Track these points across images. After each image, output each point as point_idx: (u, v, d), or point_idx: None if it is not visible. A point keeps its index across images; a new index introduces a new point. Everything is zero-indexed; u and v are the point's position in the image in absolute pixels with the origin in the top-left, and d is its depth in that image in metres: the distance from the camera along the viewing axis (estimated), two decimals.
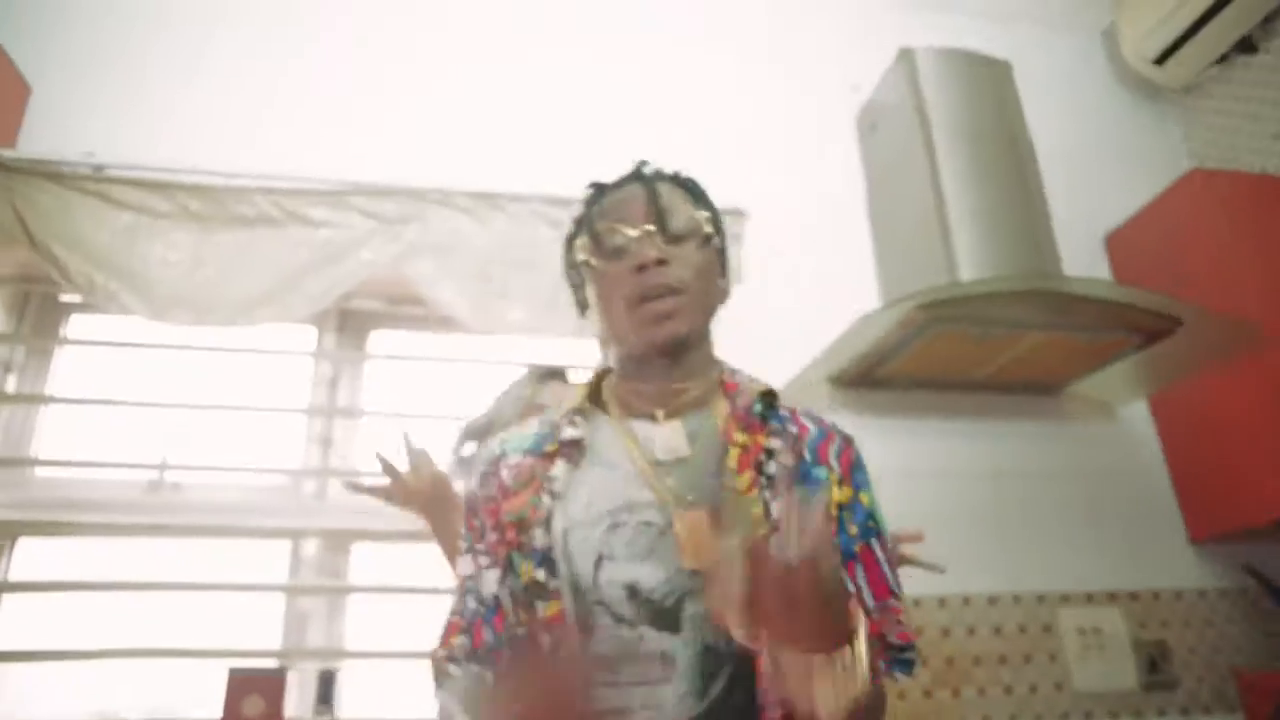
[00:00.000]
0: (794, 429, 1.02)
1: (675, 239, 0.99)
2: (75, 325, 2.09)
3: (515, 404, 1.54)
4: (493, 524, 0.99)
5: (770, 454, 0.97)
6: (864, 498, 1.00)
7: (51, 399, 1.99)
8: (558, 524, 0.94)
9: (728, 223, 2.03)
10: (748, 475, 0.95)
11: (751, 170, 2.29)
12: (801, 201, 2.32)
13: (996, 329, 1.86)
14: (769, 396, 1.03)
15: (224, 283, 1.88)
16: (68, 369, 2.03)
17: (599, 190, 1.07)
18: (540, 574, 0.93)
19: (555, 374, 1.63)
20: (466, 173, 2.07)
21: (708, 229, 1.04)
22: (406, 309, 2.21)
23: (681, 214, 1.01)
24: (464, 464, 1.51)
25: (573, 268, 1.08)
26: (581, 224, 1.07)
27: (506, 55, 2.38)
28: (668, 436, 1.00)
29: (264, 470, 2.03)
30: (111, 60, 2.10)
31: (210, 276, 1.88)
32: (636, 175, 1.05)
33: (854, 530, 0.98)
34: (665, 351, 0.99)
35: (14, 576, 1.86)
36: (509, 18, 2.42)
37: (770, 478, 0.94)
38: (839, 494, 0.98)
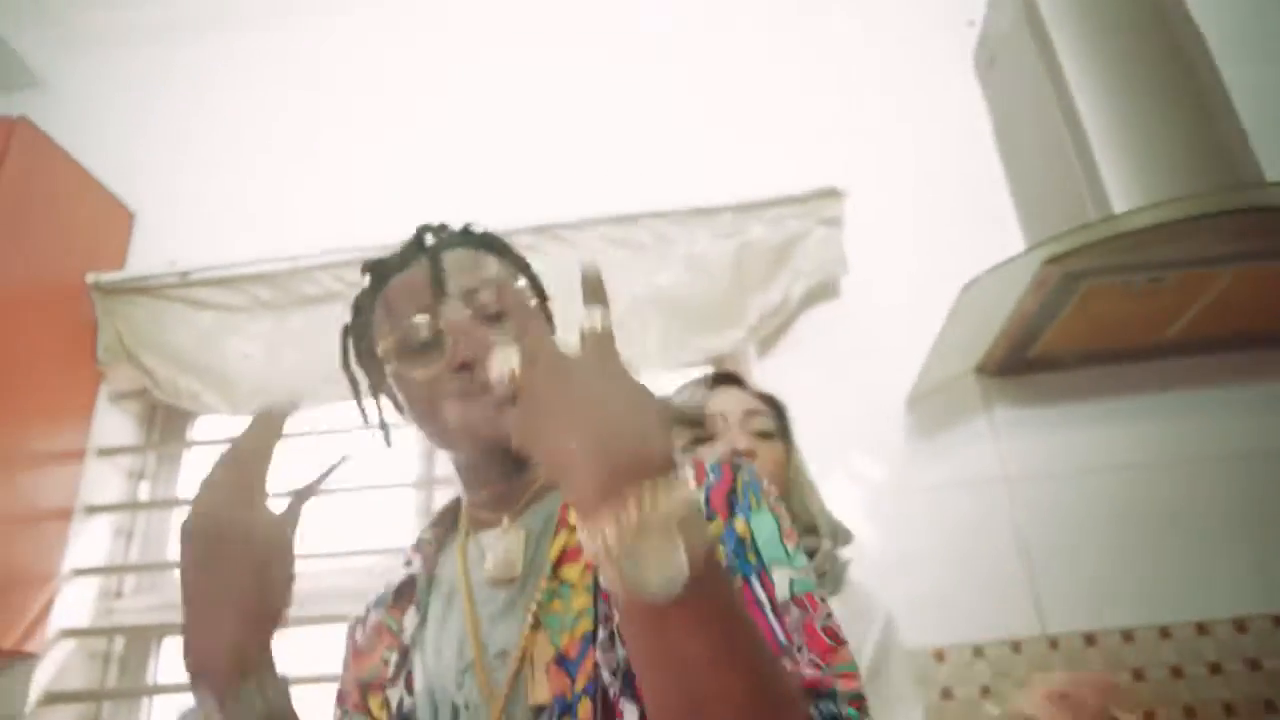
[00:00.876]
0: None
1: (492, 317, 0.82)
2: (200, 428, 2.17)
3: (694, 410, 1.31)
4: (354, 689, 0.84)
5: None
6: (739, 524, 0.74)
7: (182, 502, 2.07)
8: (419, 682, 0.78)
9: (821, 207, 1.76)
10: (580, 564, 0.74)
11: (848, 143, 1.98)
12: (916, 166, 1.96)
13: (1169, 273, 1.42)
14: None
15: (300, 367, 1.87)
16: (195, 471, 2.10)
17: (378, 271, 0.87)
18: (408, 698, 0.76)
19: (728, 378, 1.39)
20: (525, 208, 1.92)
21: (525, 291, 0.91)
22: None
23: (491, 283, 0.84)
24: None
25: (363, 365, 0.89)
26: (363, 312, 0.88)
27: (544, 77, 2.23)
28: (504, 550, 0.80)
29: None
30: (190, 168, 2.20)
31: (286, 363, 1.88)
32: (421, 246, 0.86)
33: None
34: (500, 452, 0.78)
35: (162, 679, 1.91)
36: (532, 40, 2.28)
37: None
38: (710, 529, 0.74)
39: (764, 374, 1.82)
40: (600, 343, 0.60)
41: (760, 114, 2.07)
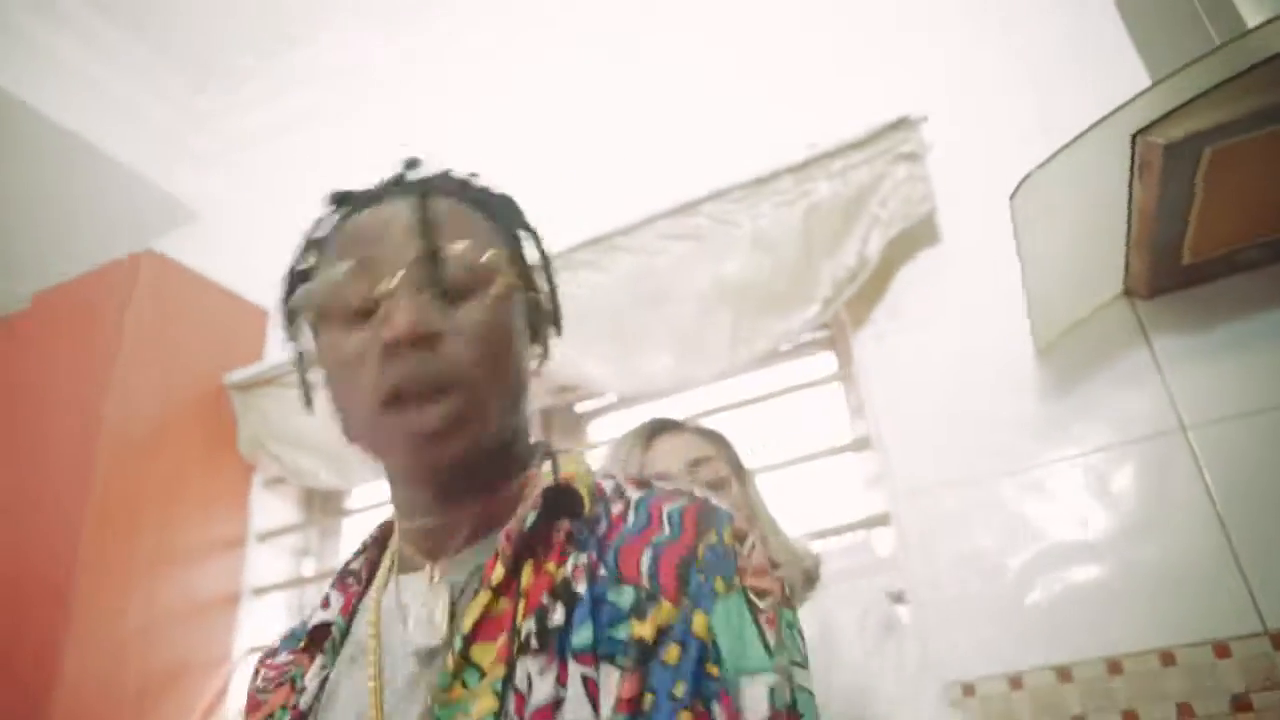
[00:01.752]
0: (604, 524, 0.61)
1: (456, 293, 0.62)
2: (355, 499, 2.27)
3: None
4: None
5: (564, 592, 0.56)
6: (698, 623, 0.54)
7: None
8: None
9: (893, 143, 1.50)
10: (496, 644, 0.56)
11: (912, 67, 1.67)
12: (999, 72, 1.60)
13: None
14: (558, 494, 0.61)
15: None
16: (351, 542, 2.20)
17: (344, 204, 0.70)
18: None
19: (663, 427, 1.20)
20: (579, 222, 1.81)
21: (509, 274, 0.65)
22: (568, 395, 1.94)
23: (467, 251, 0.63)
24: None
25: (292, 328, 0.70)
26: (309, 256, 0.70)
27: (570, 81, 2.09)
28: (426, 610, 0.62)
29: None
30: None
31: None
32: (400, 183, 0.69)
33: (679, 687, 0.51)
34: (431, 479, 0.63)
35: None
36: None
37: (546, 633, 0.55)
38: (641, 628, 0.54)
39: (862, 350, 1.56)
40: None
41: (807, 60, 1.81)
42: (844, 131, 1.59)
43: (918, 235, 1.55)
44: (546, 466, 0.64)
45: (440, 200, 0.65)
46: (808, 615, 1.04)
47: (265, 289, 2.25)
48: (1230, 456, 1.24)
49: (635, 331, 1.69)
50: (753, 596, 0.56)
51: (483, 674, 0.55)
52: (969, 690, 1.28)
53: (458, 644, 0.56)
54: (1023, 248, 1.22)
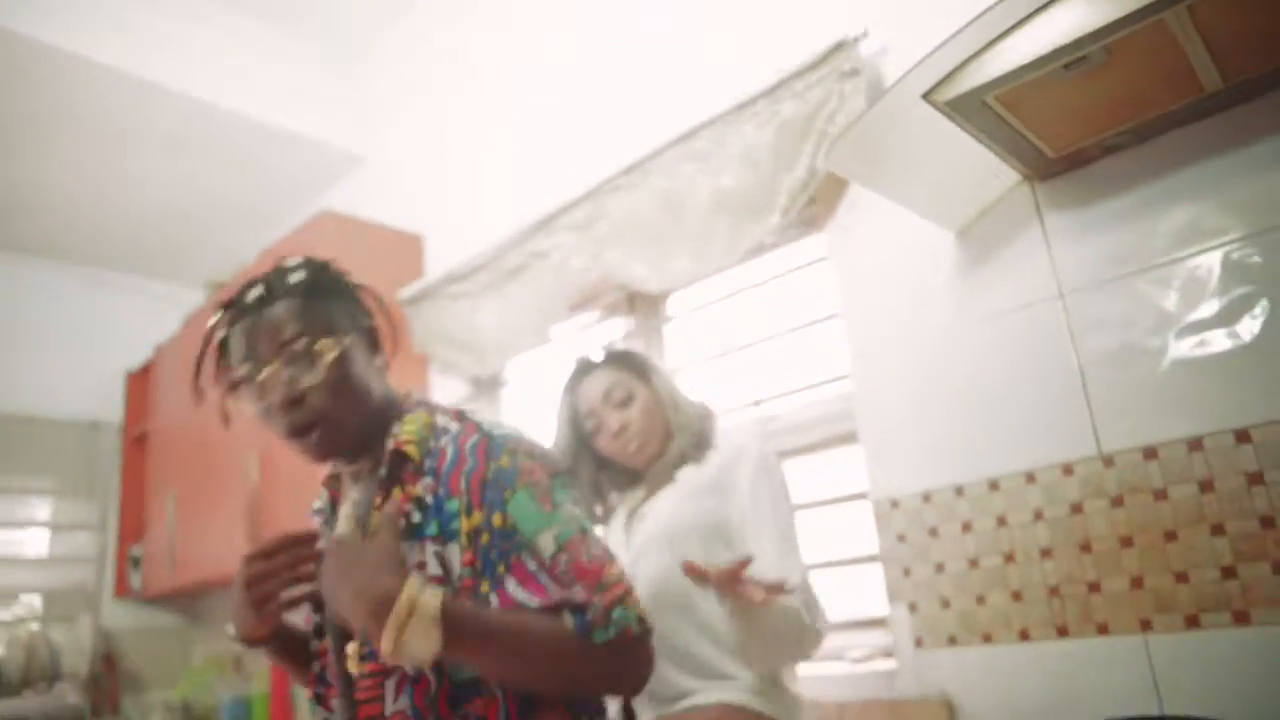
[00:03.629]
0: (436, 457, 1.09)
1: (301, 367, 1.07)
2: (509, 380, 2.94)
3: (569, 426, 1.63)
4: None
5: (419, 502, 1.06)
6: (497, 519, 1.02)
7: None
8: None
9: (836, 62, 1.78)
10: None
11: None
12: None
13: (1094, 48, 1.19)
14: (400, 456, 1.09)
15: (513, 324, 2.48)
16: (509, 408, 2.89)
17: (228, 309, 1.13)
18: (317, 617, 1.18)
19: (583, 370, 1.65)
20: (616, 154, 2.23)
21: (308, 340, 1.07)
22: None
23: (302, 337, 1.07)
24: None
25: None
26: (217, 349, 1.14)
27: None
28: (342, 517, 1.09)
29: None
30: (461, 192, 2.94)
31: (506, 324, 2.51)
32: (243, 302, 1.11)
33: (493, 555, 1.02)
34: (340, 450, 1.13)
35: None
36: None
37: (410, 527, 1.05)
38: (467, 523, 1.03)
39: (832, 239, 1.90)
40: (381, 524, 0.98)
41: None
42: (805, 54, 1.86)
43: None
44: (397, 428, 1.12)
45: (277, 306, 1.09)
46: (707, 465, 1.53)
47: (418, 216, 2.91)
48: (1095, 316, 1.51)
49: (663, 238, 2.12)
50: (531, 488, 1.05)
51: None
52: (895, 504, 1.71)
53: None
54: (881, 183, 1.52)
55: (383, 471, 1.09)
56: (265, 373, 1.06)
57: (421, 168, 3.09)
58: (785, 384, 2.03)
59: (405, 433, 1.11)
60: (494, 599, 1.01)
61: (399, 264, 2.89)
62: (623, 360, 1.64)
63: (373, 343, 1.18)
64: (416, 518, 1.06)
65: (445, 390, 2.81)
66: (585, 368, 1.65)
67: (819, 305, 1.98)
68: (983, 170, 1.58)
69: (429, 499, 1.06)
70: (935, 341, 1.71)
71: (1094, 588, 1.45)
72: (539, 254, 2.43)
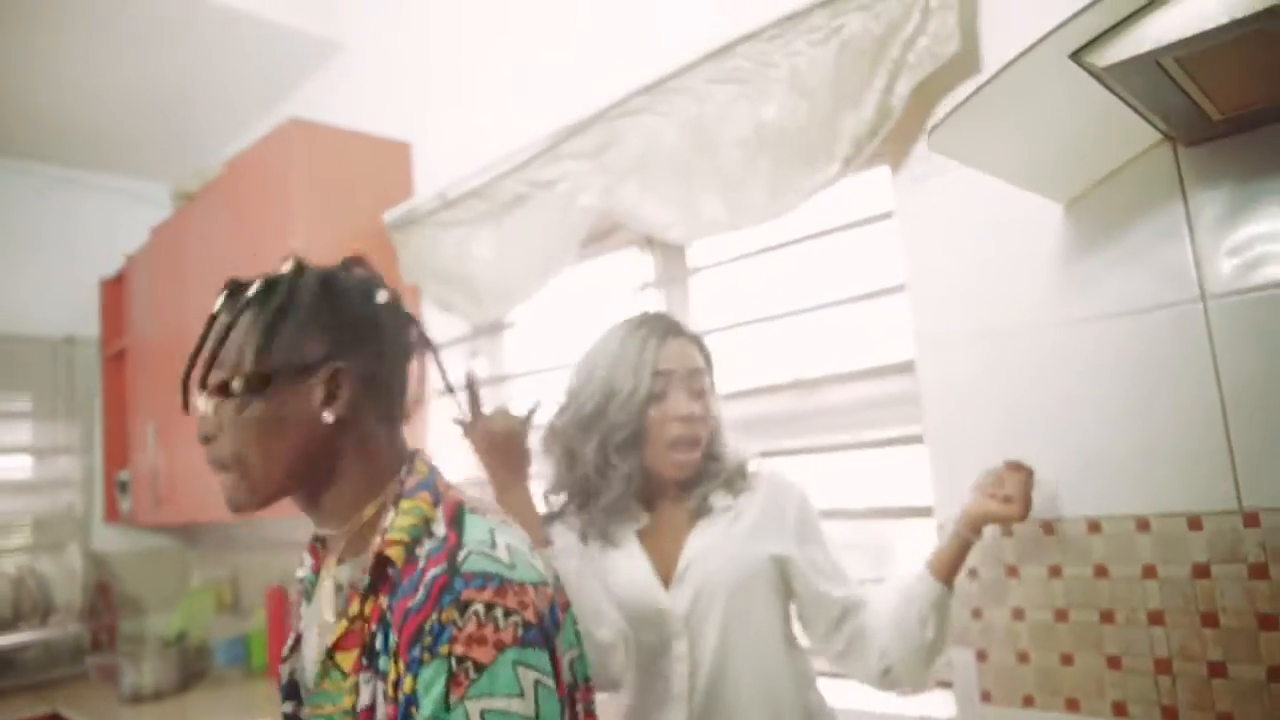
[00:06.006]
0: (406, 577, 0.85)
1: (223, 394, 0.89)
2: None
3: (634, 372, 1.29)
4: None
5: (383, 620, 0.84)
6: (407, 683, 0.78)
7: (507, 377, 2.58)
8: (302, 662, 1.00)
9: None
10: (353, 654, 0.86)
11: None
12: None
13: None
14: (383, 560, 0.86)
15: (516, 262, 2.14)
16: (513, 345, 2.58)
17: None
18: (286, 707, 1.01)
19: (672, 329, 1.34)
20: (657, 57, 1.80)
21: (247, 374, 0.88)
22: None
23: (233, 362, 0.89)
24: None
25: None
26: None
27: None
28: (320, 600, 0.94)
29: None
30: (445, 99, 2.52)
31: (506, 262, 2.17)
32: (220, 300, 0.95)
33: None
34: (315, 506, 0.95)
35: None
36: None
37: (371, 653, 0.84)
38: (394, 670, 0.80)
39: (900, 193, 1.53)
40: None
41: None
42: None
43: (954, 66, 1.42)
44: (389, 519, 0.88)
45: (223, 317, 0.91)
46: (749, 502, 1.30)
47: (405, 118, 2.51)
48: (1244, 330, 1.17)
49: (691, 177, 1.75)
50: (454, 661, 0.76)
51: (345, 675, 0.85)
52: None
53: (326, 652, 0.86)
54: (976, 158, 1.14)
55: (365, 582, 0.86)
56: (191, 396, 0.92)
57: (408, 60, 2.64)
58: (832, 363, 1.71)
59: (395, 530, 0.87)
60: None
61: (383, 177, 2.52)
62: (706, 352, 1.37)
63: (375, 388, 0.94)
64: (378, 644, 0.83)
65: (441, 327, 2.50)
66: (674, 328, 1.34)
67: (879, 266, 1.63)
68: (1112, 131, 1.20)
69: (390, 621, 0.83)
70: (1029, 339, 1.37)
71: (1217, 670, 1.18)
72: (541, 183, 2.05)
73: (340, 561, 0.94)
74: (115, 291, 3.43)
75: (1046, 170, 1.27)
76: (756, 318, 1.82)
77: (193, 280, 2.81)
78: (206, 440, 0.91)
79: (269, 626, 2.92)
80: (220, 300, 0.93)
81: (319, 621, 0.94)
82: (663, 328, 1.33)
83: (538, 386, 2.36)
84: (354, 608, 0.86)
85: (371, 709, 0.80)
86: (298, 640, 1.02)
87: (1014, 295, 1.39)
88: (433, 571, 0.81)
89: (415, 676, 0.76)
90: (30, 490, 3.31)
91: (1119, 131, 1.20)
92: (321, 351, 0.90)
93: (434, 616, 0.78)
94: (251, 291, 0.92)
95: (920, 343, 1.50)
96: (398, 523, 0.87)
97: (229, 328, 0.90)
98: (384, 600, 0.84)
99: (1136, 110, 1.11)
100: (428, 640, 0.77)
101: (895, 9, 1.42)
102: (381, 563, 0.86)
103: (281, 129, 2.38)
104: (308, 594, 1.01)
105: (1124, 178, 1.28)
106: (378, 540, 0.87)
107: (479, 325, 2.41)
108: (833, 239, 1.71)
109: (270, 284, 0.92)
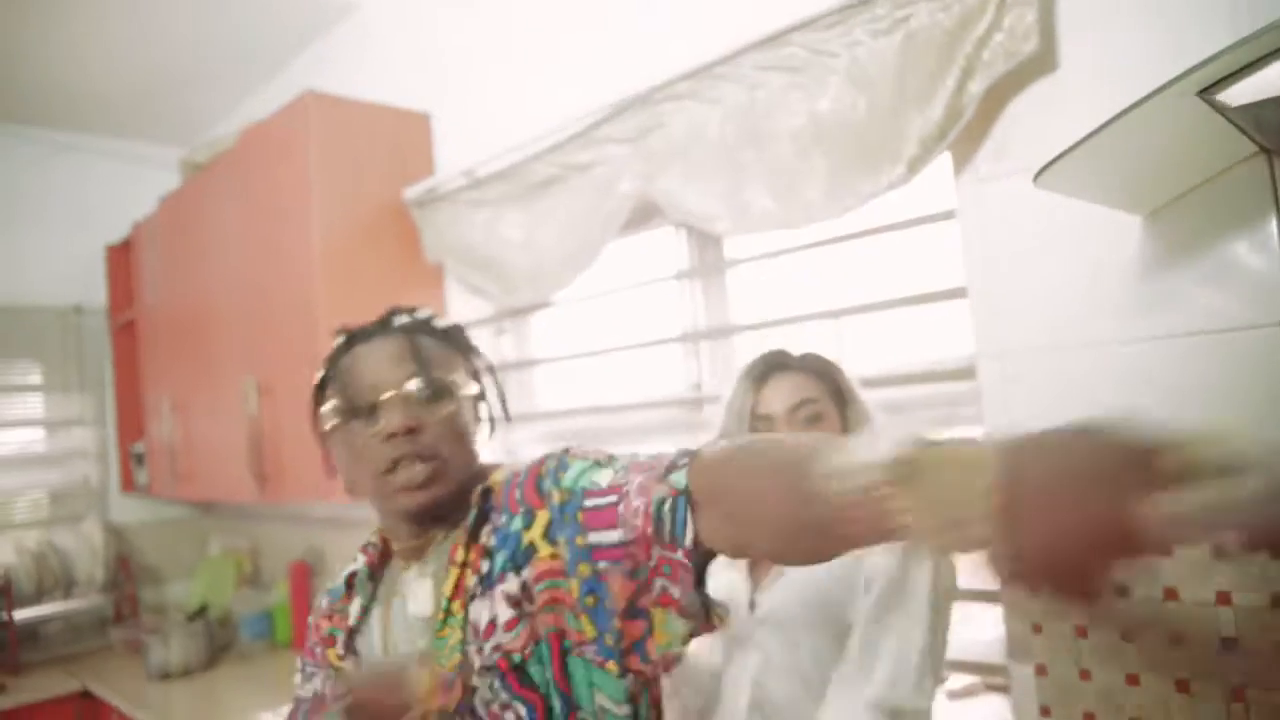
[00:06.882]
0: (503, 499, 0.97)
1: (431, 399, 0.96)
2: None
3: (737, 419, 1.32)
4: (310, 651, 1.10)
5: (487, 552, 0.94)
6: (555, 496, 0.90)
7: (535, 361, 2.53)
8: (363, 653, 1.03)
9: None
10: (460, 600, 0.94)
11: None
12: None
13: None
14: (484, 496, 0.97)
15: (550, 245, 2.07)
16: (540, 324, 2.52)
17: (348, 339, 1.02)
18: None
19: (774, 367, 1.34)
20: (706, 41, 1.70)
21: (467, 386, 1.01)
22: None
23: (438, 371, 0.97)
24: None
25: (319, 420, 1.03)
26: (329, 377, 1.02)
27: None
28: (418, 596, 1.00)
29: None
30: (467, 70, 2.41)
31: (537, 244, 2.09)
32: (387, 325, 1.01)
33: (566, 530, 0.88)
34: (413, 519, 0.99)
35: None
36: None
37: (484, 581, 0.93)
38: (535, 528, 0.90)
39: (962, 192, 1.47)
40: None
41: None
42: None
43: (1030, 63, 1.35)
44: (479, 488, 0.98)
45: (419, 336, 1.00)
46: None
47: (425, 85, 2.41)
48: None
49: (739, 170, 1.68)
50: (582, 458, 0.91)
51: (455, 616, 0.93)
52: None
53: (443, 604, 0.94)
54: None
55: (473, 514, 0.96)
56: (388, 395, 0.95)
57: (428, 22, 2.52)
58: (883, 369, 1.66)
59: (492, 480, 1.00)
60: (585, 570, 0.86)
61: (402, 150, 2.42)
62: (823, 371, 1.32)
63: (477, 414, 1.06)
64: (484, 567, 0.94)
65: (466, 308, 2.43)
66: (776, 365, 1.33)
67: (936, 269, 1.58)
68: (1203, 144, 1.14)
69: (493, 541, 0.94)
70: (1103, 355, 1.32)
71: None
72: (576, 166, 1.98)
73: (421, 559, 1.01)
74: (122, 258, 3.35)
75: (1132, 186, 1.21)
76: (800, 314, 1.77)
77: (206, 253, 2.74)
78: (411, 432, 0.94)
79: (293, 600, 2.93)
80: (393, 319, 1.02)
81: (408, 610, 0.99)
82: (761, 368, 1.34)
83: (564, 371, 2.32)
84: (459, 555, 0.94)
85: (492, 623, 0.90)
86: (350, 635, 1.04)
87: (1087, 307, 1.34)
88: (521, 478, 0.94)
89: (559, 487, 0.89)
90: (44, 463, 3.28)
91: (1210, 144, 1.13)
92: (477, 385, 1.05)
93: (543, 468, 0.92)
94: (440, 322, 1.05)
95: (982, 352, 1.45)
96: (493, 477, 0.99)
97: (433, 341, 1.01)
98: (485, 538, 0.94)
99: (1239, 127, 1.04)
100: (552, 472, 0.91)
101: (968, 1, 1.34)
102: (484, 495, 0.97)
103: (297, 101, 2.27)
104: (360, 586, 1.05)
105: (1213, 190, 1.22)
106: (478, 489, 0.97)
107: (504, 307, 2.35)
108: (884, 235, 1.65)
109: (449, 323, 1.06)
